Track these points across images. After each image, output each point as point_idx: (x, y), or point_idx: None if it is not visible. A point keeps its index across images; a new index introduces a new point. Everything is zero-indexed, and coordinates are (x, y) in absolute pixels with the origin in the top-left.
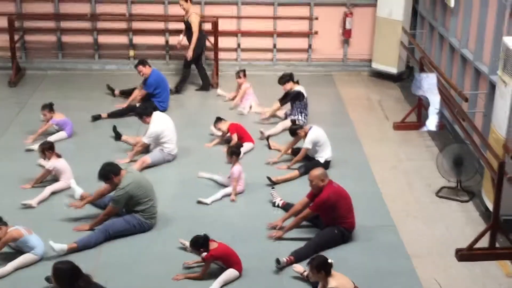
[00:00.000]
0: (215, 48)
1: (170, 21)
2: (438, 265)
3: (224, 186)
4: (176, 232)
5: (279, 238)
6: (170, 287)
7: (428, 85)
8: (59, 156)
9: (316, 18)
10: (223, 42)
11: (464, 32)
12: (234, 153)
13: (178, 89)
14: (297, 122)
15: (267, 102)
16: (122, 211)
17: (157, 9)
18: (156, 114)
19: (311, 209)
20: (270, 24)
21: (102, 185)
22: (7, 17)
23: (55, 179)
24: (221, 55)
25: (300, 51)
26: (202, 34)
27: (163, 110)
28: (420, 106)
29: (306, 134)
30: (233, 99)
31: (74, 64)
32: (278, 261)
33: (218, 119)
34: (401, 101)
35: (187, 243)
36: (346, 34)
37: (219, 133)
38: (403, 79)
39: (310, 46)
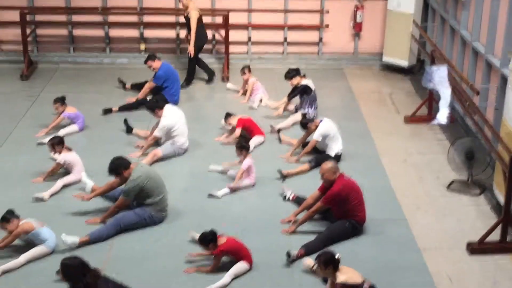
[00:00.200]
0: (226, 41)
1: (181, 14)
2: (449, 259)
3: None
4: (186, 225)
5: (292, 232)
6: (181, 280)
7: (439, 78)
8: (69, 149)
9: (327, 12)
10: (234, 35)
11: (476, 25)
12: (243, 148)
13: (189, 81)
14: (307, 116)
15: (278, 95)
16: (133, 205)
17: (167, 3)
18: (168, 107)
19: (323, 202)
20: (281, 18)
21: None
22: (19, 11)
23: (67, 172)
24: (232, 48)
25: (310, 45)
26: (202, 28)
27: (174, 103)
28: (431, 100)
29: (317, 127)
30: (241, 95)
31: (85, 58)
32: (288, 254)
33: (228, 115)
34: (412, 95)
35: (197, 236)
36: (357, 28)
37: (230, 128)
38: (414, 72)
39: (321, 39)
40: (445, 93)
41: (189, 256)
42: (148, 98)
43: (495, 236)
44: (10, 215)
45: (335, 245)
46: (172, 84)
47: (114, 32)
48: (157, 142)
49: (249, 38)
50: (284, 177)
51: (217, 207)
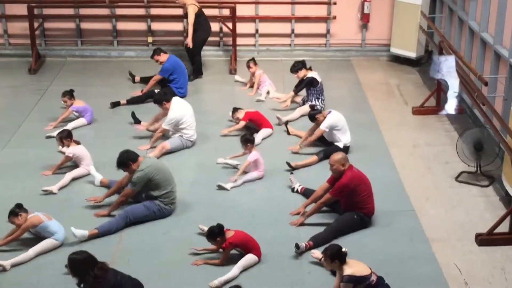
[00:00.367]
0: (233, 33)
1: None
2: (458, 250)
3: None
4: (195, 217)
5: (301, 224)
6: (190, 272)
7: (446, 68)
8: (78, 143)
9: (335, 3)
10: (241, 27)
11: (484, 15)
12: (248, 141)
13: (197, 74)
14: (315, 108)
15: (286, 87)
16: (142, 197)
17: None
18: (175, 100)
19: (332, 194)
20: (288, 9)
21: (122, 175)
22: (26, 5)
23: (75, 165)
24: (239, 40)
25: (318, 36)
26: (205, 21)
27: (182, 96)
28: (439, 91)
29: (324, 117)
30: (249, 87)
31: (93, 51)
32: (297, 246)
33: (235, 109)
34: (420, 86)
35: (206, 228)
36: (365, 19)
37: (237, 122)
38: (422, 63)
39: (328, 31)
40: (453, 83)
41: (194, 250)
42: (156, 91)
43: (504, 227)
44: (18, 209)
45: (344, 237)
46: (179, 77)
47: (122, 25)
48: (164, 135)
49: (257, 30)
50: (292, 169)
51: (225, 199)
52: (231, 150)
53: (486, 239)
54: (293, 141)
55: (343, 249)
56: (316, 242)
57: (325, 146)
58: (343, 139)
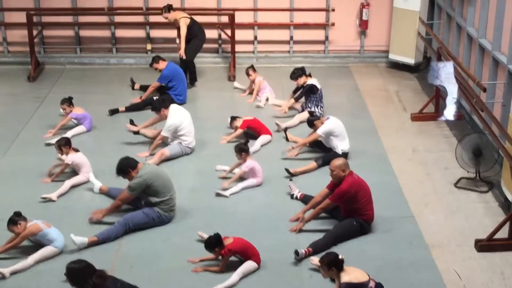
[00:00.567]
0: (232, 40)
1: (188, 14)
2: (457, 256)
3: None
4: (195, 224)
5: (300, 230)
6: (189, 279)
7: (445, 74)
8: (76, 150)
9: (333, 10)
10: (240, 34)
11: (482, 21)
12: (242, 150)
13: (192, 82)
14: (314, 114)
15: (284, 94)
16: (141, 204)
17: (174, 2)
18: (173, 107)
19: (331, 200)
20: (286, 16)
21: (121, 182)
22: (25, 12)
23: (74, 173)
24: (238, 47)
25: (317, 43)
26: (199, 30)
27: (181, 103)
28: (438, 97)
29: (322, 124)
30: (248, 94)
31: (92, 59)
32: (296, 252)
33: (233, 118)
34: (419, 92)
35: (205, 235)
36: (363, 25)
37: (235, 131)
38: (421, 70)
39: (327, 37)
40: (452, 90)
41: (191, 261)
42: (155, 98)
43: (503, 233)
44: (17, 218)
45: (343, 243)
46: (178, 84)
47: (121, 33)
48: (163, 142)
49: (255, 37)
50: (291, 175)
51: (225, 206)
52: (230, 157)
53: (486, 245)
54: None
55: (340, 256)
56: (315, 248)
57: (324, 152)
58: (340, 145)
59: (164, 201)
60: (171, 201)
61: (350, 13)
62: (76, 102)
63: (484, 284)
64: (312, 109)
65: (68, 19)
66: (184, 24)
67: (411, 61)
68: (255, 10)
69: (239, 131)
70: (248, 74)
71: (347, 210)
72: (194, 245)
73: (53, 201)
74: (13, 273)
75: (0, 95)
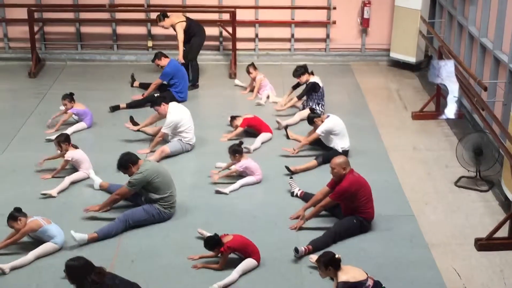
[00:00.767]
0: (233, 38)
1: (188, 11)
2: (457, 255)
3: (241, 176)
4: (194, 221)
5: (300, 228)
6: (189, 276)
7: (445, 72)
8: (75, 147)
9: (334, 8)
10: (241, 32)
11: (484, 20)
12: (235, 152)
13: (194, 83)
14: (315, 111)
15: (286, 91)
16: (141, 201)
17: (175, 0)
18: (172, 104)
19: (332, 198)
20: (288, 14)
21: (121, 178)
22: (26, 9)
23: (74, 169)
24: (239, 45)
25: (318, 41)
26: (198, 27)
27: (182, 100)
28: (439, 95)
29: (322, 122)
30: (249, 91)
31: (93, 55)
32: (296, 250)
33: (233, 118)
34: (420, 91)
35: (205, 233)
36: (364, 24)
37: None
38: (422, 68)
39: (328, 35)
40: (453, 88)
41: (191, 259)
42: (156, 95)
43: (503, 232)
44: (17, 213)
45: (343, 241)
46: (179, 81)
47: (122, 29)
48: (163, 139)
49: (256, 35)
50: (292, 173)
51: (225, 203)
52: None
53: (486, 244)
54: (292, 145)
55: (337, 256)
56: (315, 246)
57: (324, 150)
58: (340, 143)
59: (164, 198)
60: (171, 198)
61: (351, 11)
62: (77, 98)
63: (484, 283)
64: (313, 107)
65: (69, 15)
66: (180, 28)
67: (412, 59)
68: (256, 7)
69: (240, 129)
70: (248, 72)
71: (348, 208)
72: (194, 242)
73: (53, 197)
74: (13, 269)
75: (0, 91)
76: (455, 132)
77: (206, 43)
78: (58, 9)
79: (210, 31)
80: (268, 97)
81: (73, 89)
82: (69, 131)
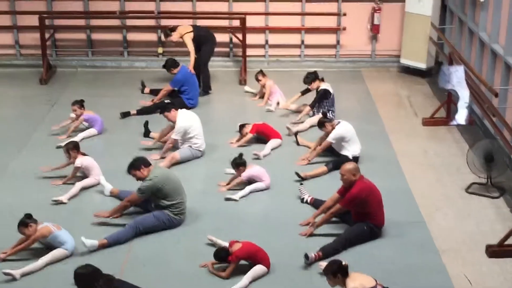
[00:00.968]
0: (243, 44)
1: (199, 18)
2: (468, 261)
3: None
4: (205, 228)
5: (311, 235)
6: (199, 282)
7: (456, 78)
8: (84, 154)
9: (344, 14)
10: (251, 38)
11: (494, 26)
12: (239, 165)
13: (205, 89)
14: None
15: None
16: (152, 207)
17: (185, 6)
18: (181, 111)
19: (342, 204)
20: (298, 21)
21: (132, 184)
22: (38, 16)
23: (85, 176)
24: (249, 51)
25: (328, 47)
26: (207, 34)
27: (192, 107)
28: (450, 102)
29: (333, 128)
30: (259, 98)
31: (103, 62)
32: (306, 256)
33: (242, 126)
34: (430, 97)
35: (216, 239)
36: (375, 30)
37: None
38: (432, 74)
39: (338, 42)
40: (463, 94)
41: (204, 266)
42: (166, 101)
43: None
44: (28, 220)
45: (353, 248)
46: (190, 88)
47: (132, 36)
48: (174, 146)
49: (266, 41)
50: (302, 179)
51: (235, 209)
52: None
53: (497, 251)
54: (302, 152)
55: (344, 262)
56: (325, 252)
57: (334, 156)
58: (351, 150)
59: (175, 204)
60: (181, 204)
61: (361, 17)
62: (87, 105)
63: None
64: (325, 112)
65: (80, 22)
66: (189, 39)
67: (422, 66)
68: (266, 14)
69: (249, 135)
70: (257, 79)
71: (358, 215)
72: (204, 248)
73: (64, 203)
74: (24, 275)
75: (12, 97)
76: (466, 138)
77: (216, 49)
78: (69, 16)
79: (220, 37)
80: (278, 103)
81: (84, 95)
82: (79, 137)
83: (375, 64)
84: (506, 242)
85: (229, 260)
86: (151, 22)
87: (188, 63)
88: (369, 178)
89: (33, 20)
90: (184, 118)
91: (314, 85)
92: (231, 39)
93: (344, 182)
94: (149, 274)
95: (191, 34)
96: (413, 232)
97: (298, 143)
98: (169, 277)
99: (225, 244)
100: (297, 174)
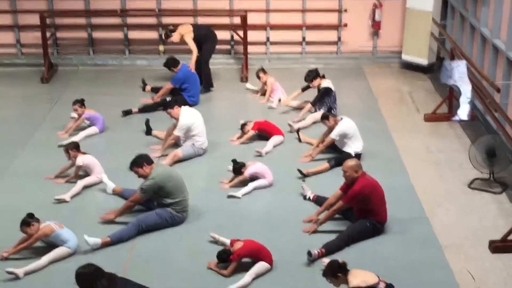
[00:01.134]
0: (244, 42)
1: (200, 15)
2: (471, 257)
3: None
4: (207, 225)
5: (314, 232)
6: (202, 280)
7: (457, 73)
8: (84, 154)
9: (345, 10)
10: (252, 35)
11: (496, 22)
12: (240, 169)
13: (207, 86)
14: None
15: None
16: (154, 205)
17: (186, 4)
18: (184, 108)
19: (344, 201)
20: (299, 17)
21: (134, 182)
22: (39, 14)
23: (87, 174)
24: (250, 48)
25: (329, 44)
26: (207, 32)
27: (193, 104)
28: (451, 97)
29: (336, 124)
30: (260, 95)
31: (105, 60)
32: (309, 253)
33: (243, 125)
34: (432, 93)
35: (218, 237)
36: (376, 26)
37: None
38: (434, 70)
39: (339, 38)
40: (465, 89)
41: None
42: (168, 99)
43: None
44: (30, 219)
45: (356, 244)
46: (191, 86)
47: (133, 34)
48: (176, 143)
49: (268, 38)
50: (304, 176)
51: (237, 207)
52: (242, 158)
53: (500, 246)
54: (304, 149)
55: (341, 261)
56: (328, 249)
57: (337, 153)
58: (353, 146)
59: (177, 202)
60: (183, 202)
61: (362, 14)
62: (89, 103)
63: (498, 285)
64: (323, 111)
65: (81, 21)
66: (189, 39)
67: (424, 61)
68: (267, 11)
69: (251, 132)
70: (258, 77)
71: (360, 211)
72: (207, 246)
73: (67, 202)
74: (27, 273)
75: (13, 97)
76: (468, 133)
77: (217, 47)
78: (70, 14)
79: (222, 35)
80: (279, 100)
81: (85, 94)
82: (80, 135)
83: (377, 61)
84: (509, 238)
85: (231, 259)
86: (152, 20)
87: (189, 61)
88: (371, 175)
89: (34, 19)
90: (187, 115)
91: (315, 83)
92: (232, 36)
93: (347, 179)
94: (152, 271)
95: (191, 34)
96: (416, 228)
97: (300, 140)
98: (172, 274)
99: (228, 241)
100: (299, 171)
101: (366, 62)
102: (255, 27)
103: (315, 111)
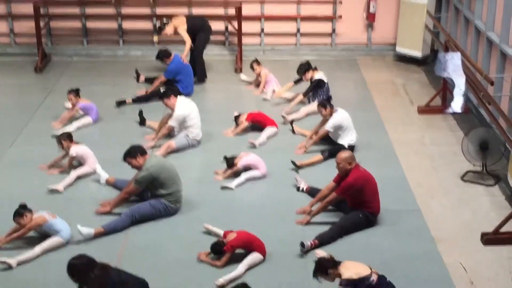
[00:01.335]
0: (239, 33)
1: (194, 6)
2: (464, 249)
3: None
4: (201, 216)
5: (307, 223)
6: (196, 270)
7: (452, 66)
8: (77, 144)
9: (340, 2)
10: (247, 27)
11: (490, 14)
12: (232, 163)
13: (201, 78)
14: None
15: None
16: (148, 196)
17: None
18: (180, 99)
19: (338, 193)
20: (293, 9)
21: (127, 173)
22: (32, 4)
23: (80, 164)
24: (245, 40)
25: (324, 36)
26: (201, 22)
27: (187, 95)
28: (445, 90)
29: (331, 115)
30: (255, 87)
31: (99, 50)
32: (302, 244)
33: (237, 117)
34: (426, 85)
35: (212, 228)
36: (370, 18)
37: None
38: (428, 63)
39: (334, 30)
40: (459, 82)
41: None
42: (162, 90)
43: (510, 226)
44: (23, 210)
45: (349, 236)
46: (184, 77)
47: (128, 25)
48: (170, 134)
49: (262, 30)
50: (298, 168)
51: (231, 198)
52: (237, 149)
53: (492, 238)
54: (298, 141)
55: (327, 256)
56: (321, 240)
57: (330, 145)
58: (347, 138)
59: (171, 193)
60: (177, 193)
61: (357, 5)
62: (83, 93)
63: (490, 277)
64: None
65: (75, 10)
66: (183, 30)
67: (418, 54)
68: (262, 2)
69: (245, 123)
70: (253, 68)
71: (354, 203)
72: (200, 236)
73: (60, 192)
74: (20, 263)
75: (7, 86)
76: (461, 126)
77: (212, 38)
78: (64, 4)
79: (216, 26)
80: (273, 92)
81: (79, 84)
82: (74, 125)
83: (371, 53)
84: (501, 230)
85: (224, 250)
86: (146, 11)
87: (181, 53)
88: (364, 167)
89: (28, 9)
90: (183, 106)
91: (308, 75)
92: (226, 27)
93: (340, 170)
94: (145, 262)
95: (184, 26)
96: (409, 220)
97: (294, 132)
98: (165, 265)
99: (221, 232)
100: (293, 162)
101: (360, 54)
102: (250, 18)
103: (309, 102)
